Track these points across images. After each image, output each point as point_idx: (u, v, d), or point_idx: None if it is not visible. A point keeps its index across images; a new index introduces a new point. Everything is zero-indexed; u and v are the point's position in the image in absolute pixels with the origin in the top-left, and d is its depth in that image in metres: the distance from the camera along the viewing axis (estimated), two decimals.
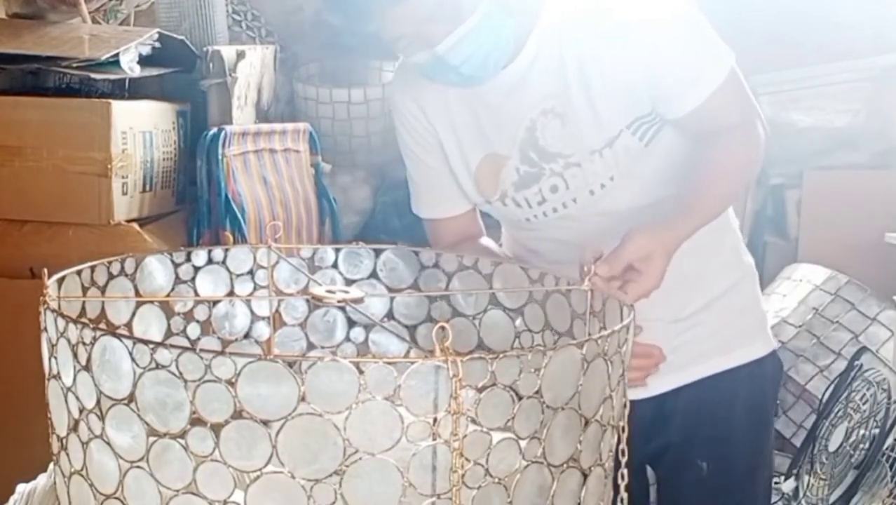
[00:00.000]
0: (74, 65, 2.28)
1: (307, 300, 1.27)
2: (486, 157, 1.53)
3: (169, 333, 1.20)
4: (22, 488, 1.46)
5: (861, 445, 2.24)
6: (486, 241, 1.66)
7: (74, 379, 0.86)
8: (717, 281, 1.59)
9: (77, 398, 0.86)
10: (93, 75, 2.30)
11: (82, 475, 0.87)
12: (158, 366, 0.80)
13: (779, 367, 1.70)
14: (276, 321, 1.30)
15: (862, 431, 2.24)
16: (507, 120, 1.49)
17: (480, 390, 0.82)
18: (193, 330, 1.24)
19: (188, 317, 1.23)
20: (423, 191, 1.64)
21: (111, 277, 1.12)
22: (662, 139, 1.49)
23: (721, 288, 1.59)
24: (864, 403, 2.21)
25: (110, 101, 2.22)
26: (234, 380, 0.79)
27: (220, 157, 2.42)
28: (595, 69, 1.43)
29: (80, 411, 0.86)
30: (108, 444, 0.84)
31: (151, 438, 0.82)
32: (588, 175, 1.48)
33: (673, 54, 1.43)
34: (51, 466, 1.22)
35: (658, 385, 1.55)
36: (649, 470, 1.73)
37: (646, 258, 1.31)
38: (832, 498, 2.21)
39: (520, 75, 1.46)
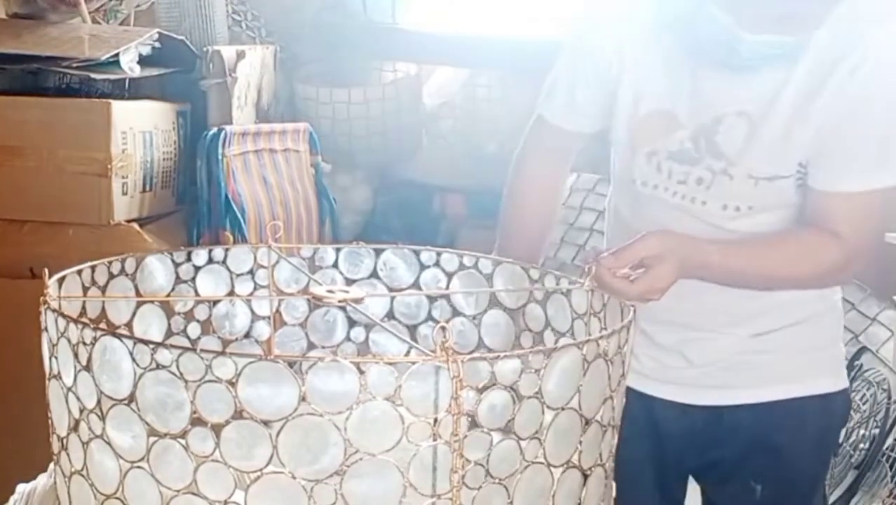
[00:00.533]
0: (74, 65, 2.28)
1: (307, 300, 1.27)
2: (659, 112, 1.49)
3: (169, 333, 1.20)
4: (22, 488, 1.46)
5: (861, 445, 2.24)
6: (557, 193, 1.69)
7: (75, 379, 0.86)
8: (798, 308, 1.55)
9: (77, 398, 0.86)
10: (93, 75, 2.30)
11: (83, 475, 0.87)
12: (159, 366, 0.80)
13: (847, 406, 1.67)
14: (277, 321, 1.30)
15: (862, 431, 2.24)
16: (706, 98, 1.45)
17: (481, 391, 0.82)
18: (194, 330, 1.24)
19: (188, 316, 1.23)
20: (566, 93, 1.58)
21: (111, 276, 1.12)
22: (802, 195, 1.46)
23: (800, 316, 1.56)
24: (864, 403, 2.21)
25: (110, 101, 2.22)
26: (234, 380, 0.79)
27: (220, 157, 2.43)
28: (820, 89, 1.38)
29: (81, 411, 0.86)
30: (109, 444, 0.84)
31: (152, 439, 0.82)
32: (734, 193, 1.46)
33: (864, 127, 1.39)
34: (51, 466, 1.22)
35: (719, 396, 1.55)
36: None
37: (656, 257, 1.30)
38: (832, 498, 2.21)
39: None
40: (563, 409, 0.86)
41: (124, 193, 2.25)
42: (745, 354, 1.54)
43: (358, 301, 1.09)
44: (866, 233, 1.45)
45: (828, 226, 1.43)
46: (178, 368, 0.80)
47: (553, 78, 1.61)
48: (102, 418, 0.84)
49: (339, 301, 1.08)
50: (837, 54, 1.37)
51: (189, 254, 1.22)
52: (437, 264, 1.29)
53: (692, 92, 1.46)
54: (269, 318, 1.29)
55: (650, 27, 1.48)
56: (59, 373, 0.88)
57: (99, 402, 0.84)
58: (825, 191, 1.43)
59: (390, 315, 1.29)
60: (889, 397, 2.25)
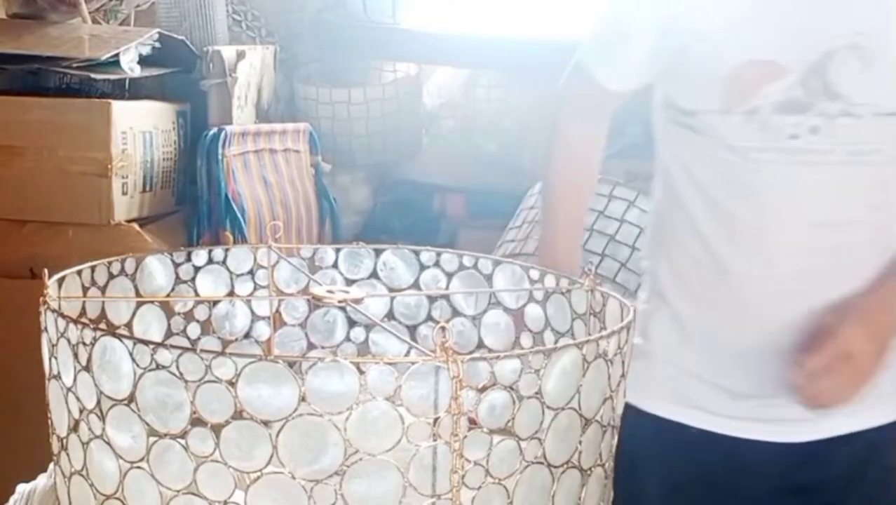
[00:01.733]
0: (75, 65, 2.28)
1: (307, 300, 1.27)
2: (755, 62, 1.31)
3: (169, 333, 1.20)
4: (22, 488, 1.46)
5: None
6: (597, 159, 1.51)
7: (75, 379, 0.86)
8: None
9: (77, 398, 0.86)
10: (93, 75, 2.30)
11: (82, 475, 0.87)
12: (159, 366, 0.80)
13: None
14: (277, 321, 1.30)
15: None
16: (812, 33, 1.30)
17: (481, 391, 0.82)
18: (193, 330, 1.24)
19: (188, 317, 1.23)
20: (623, 50, 1.39)
21: (111, 277, 1.12)
22: None
23: None
24: None
25: (110, 101, 2.22)
26: (234, 380, 0.79)
27: (220, 157, 2.43)
28: None
29: (81, 412, 0.86)
30: (109, 444, 0.84)
31: (152, 439, 0.82)
32: (860, 134, 1.31)
33: None
34: (51, 466, 1.22)
35: (835, 426, 1.37)
36: None
37: (847, 354, 1.18)
38: None
39: None
40: (563, 409, 0.86)
41: (124, 193, 2.25)
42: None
43: (358, 301, 1.09)
44: None
45: None
46: (177, 368, 0.80)
47: (602, 30, 1.43)
48: (102, 419, 0.84)
49: (339, 301, 1.08)
50: None
51: (189, 254, 1.22)
52: (437, 264, 1.29)
53: (793, 30, 1.30)
54: (268, 318, 1.29)
55: None
56: (58, 373, 0.88)
57: (99, 402, 0.84)
58: None
59: (390, 315, 1.29)
60: None
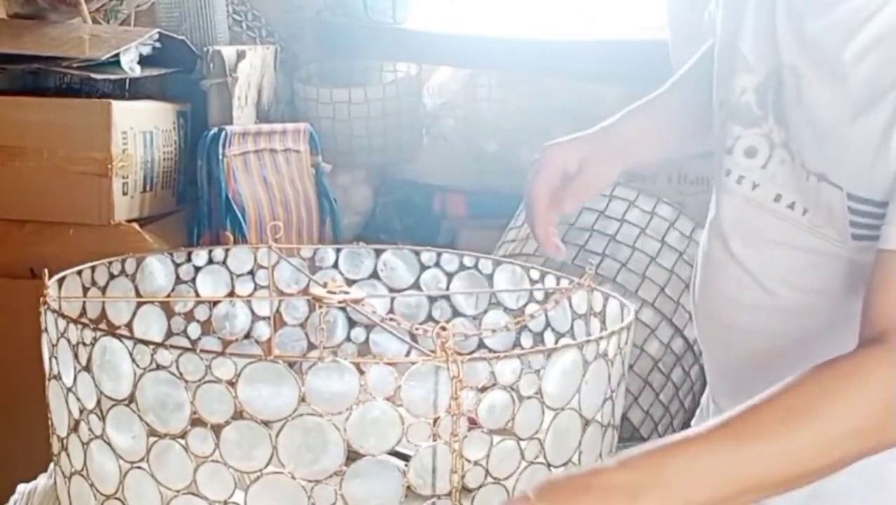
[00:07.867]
0: (75, 65, 2.28)
1: (308, 300, 1.27)
2: (724, 47, 1.13)
3: (169, 334, 1.20)
4: (22, 488, 1.46)
5: None
6: None
7: (75, 379, 0.86)
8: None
9: (77, 399, 0.86)
10: (93, 75, 2.30)
11: (83, 475, 0.87)
12: (159, 366, 0.80)
13: None
14: (277, 321, 1.30)
15: None
16: (777, 36, 1.08)
17: (481, 391, 0.82)
18: (194, 330, 1.24)
19: (189, 317, 1.23)
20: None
21: (112, 277, 1.12)
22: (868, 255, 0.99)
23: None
24: None
25: (111, 101, 2.22)
26: (234, 380, 0.79)
27: (220, 157, 2.43)
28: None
29: (81, 412, 0.87)
30: (109, 444, 0.84)
31: (152, 439, 0.82)
32: (787, 179, 1.08)
33: None
34: (51, 466, 1.22)
35: None
36: None
37: None
38: None
39: None
40: (563, 409, 0.86)
41: (124, 193, 2.25)
42: None
43: (358, 301, 1.09)
44: None
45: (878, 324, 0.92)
46: (177, 368, 0.80)
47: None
48: (102, 419, 0.84)
49: (340, 302, 1.08)
50: None
51: (189, 254, 1.22)
52: (437, 265, 1.29)
53: (764, 32, 1.09)
54: (269, 318, 1.29)
55: None
56: (59, 373, 0.88)
57: (99, 402, 0.84)
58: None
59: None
60: None
